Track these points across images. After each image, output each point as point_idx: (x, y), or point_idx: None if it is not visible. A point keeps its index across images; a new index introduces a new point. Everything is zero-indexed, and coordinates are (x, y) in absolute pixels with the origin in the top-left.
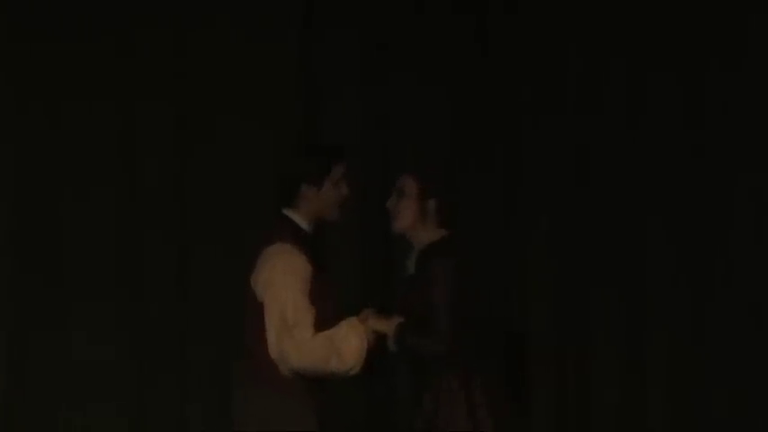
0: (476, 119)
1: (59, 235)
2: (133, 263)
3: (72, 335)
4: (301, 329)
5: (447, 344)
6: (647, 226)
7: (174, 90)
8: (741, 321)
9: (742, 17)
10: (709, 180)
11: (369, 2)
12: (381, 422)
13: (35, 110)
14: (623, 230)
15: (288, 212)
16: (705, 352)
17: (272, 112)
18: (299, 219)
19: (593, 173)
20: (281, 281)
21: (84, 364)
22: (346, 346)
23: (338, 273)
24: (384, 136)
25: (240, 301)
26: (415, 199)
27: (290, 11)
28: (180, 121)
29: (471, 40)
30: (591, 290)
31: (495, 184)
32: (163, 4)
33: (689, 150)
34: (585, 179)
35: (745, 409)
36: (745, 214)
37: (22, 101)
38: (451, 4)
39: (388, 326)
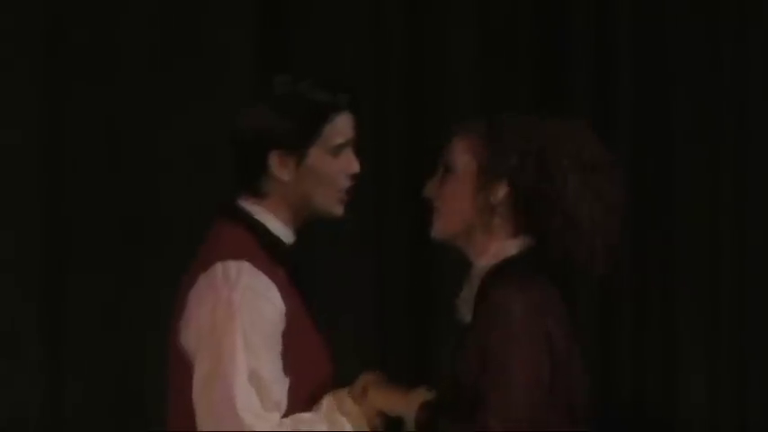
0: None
1: None
2: None
3: None
4: (259, 415)
5: None
6: None
7: None
8: None
9: None
10: None
11: None
12: None
13: None
14: None
15: (247, 204)
16: None
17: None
18: (267, 215)
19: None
20: (228, 329)
21: None
22: None
23: (335, 310)
24: (418, 69)
25: (161, 359)
26: (469, 182)
27: None
28: None
29: None
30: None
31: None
32: None
33: None
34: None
35: None
36: None
37: None
38: None
39: (405, 404)
